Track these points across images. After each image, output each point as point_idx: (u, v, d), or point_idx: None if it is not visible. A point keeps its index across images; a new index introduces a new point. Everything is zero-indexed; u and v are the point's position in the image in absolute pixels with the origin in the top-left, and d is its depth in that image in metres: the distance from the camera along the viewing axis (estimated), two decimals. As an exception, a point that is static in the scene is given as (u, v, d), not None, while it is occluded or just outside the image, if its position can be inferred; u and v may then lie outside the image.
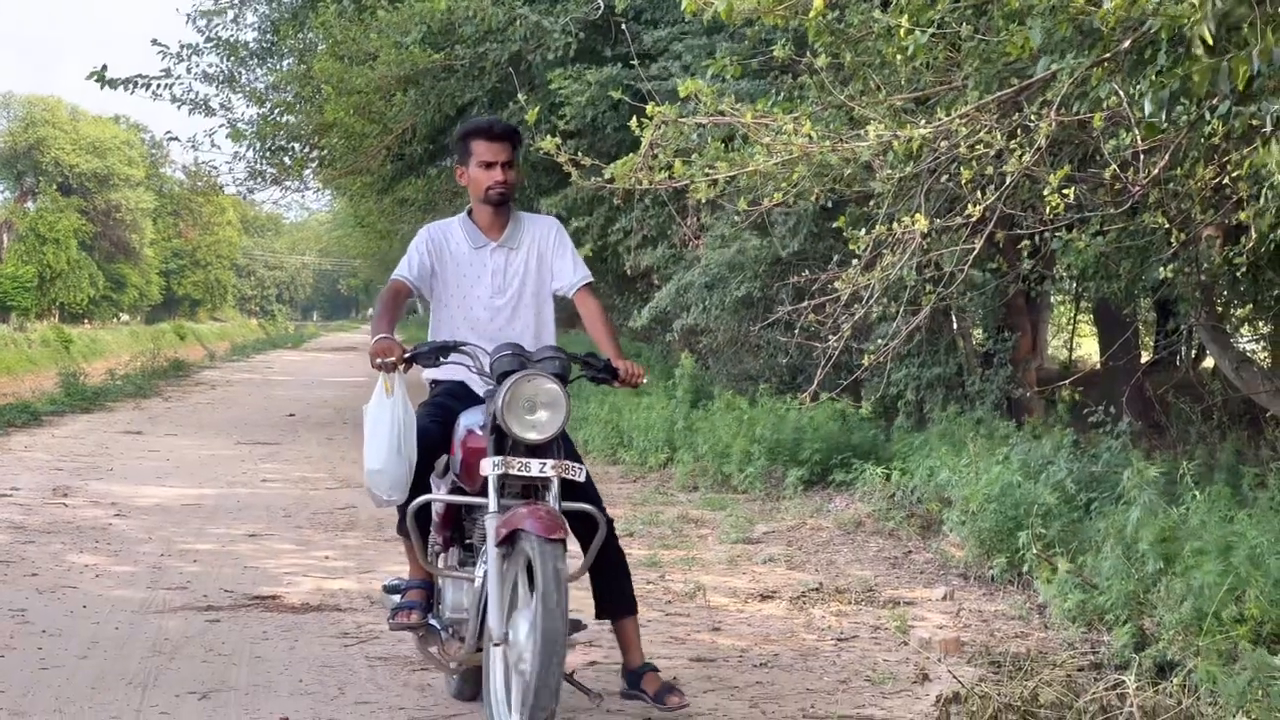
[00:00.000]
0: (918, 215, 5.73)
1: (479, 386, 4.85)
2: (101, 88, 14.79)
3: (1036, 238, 7.01)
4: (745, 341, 13.19)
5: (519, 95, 11.22)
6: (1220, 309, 8.11)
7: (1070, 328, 18.94)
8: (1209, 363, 10.24)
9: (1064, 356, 18.55)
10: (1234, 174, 5.27)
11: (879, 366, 9.29)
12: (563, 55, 11.75)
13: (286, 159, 17.05)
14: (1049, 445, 8.14)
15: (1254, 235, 5.16)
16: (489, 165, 4.98)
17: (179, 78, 16.20)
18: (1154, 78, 4.48)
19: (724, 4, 5.84)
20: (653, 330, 16.50)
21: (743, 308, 12.49)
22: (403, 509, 4.75)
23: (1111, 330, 11.69)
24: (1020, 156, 5.39)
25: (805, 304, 6.95)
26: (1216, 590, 5.40)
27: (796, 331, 7.89)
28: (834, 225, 7.67)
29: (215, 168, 18.17)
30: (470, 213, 5.13)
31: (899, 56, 5.80)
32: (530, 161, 12.68)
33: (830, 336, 6.70)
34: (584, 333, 5.66)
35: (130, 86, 15.41)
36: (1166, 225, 6.05)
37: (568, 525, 4.36)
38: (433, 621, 4.93)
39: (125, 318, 64.32)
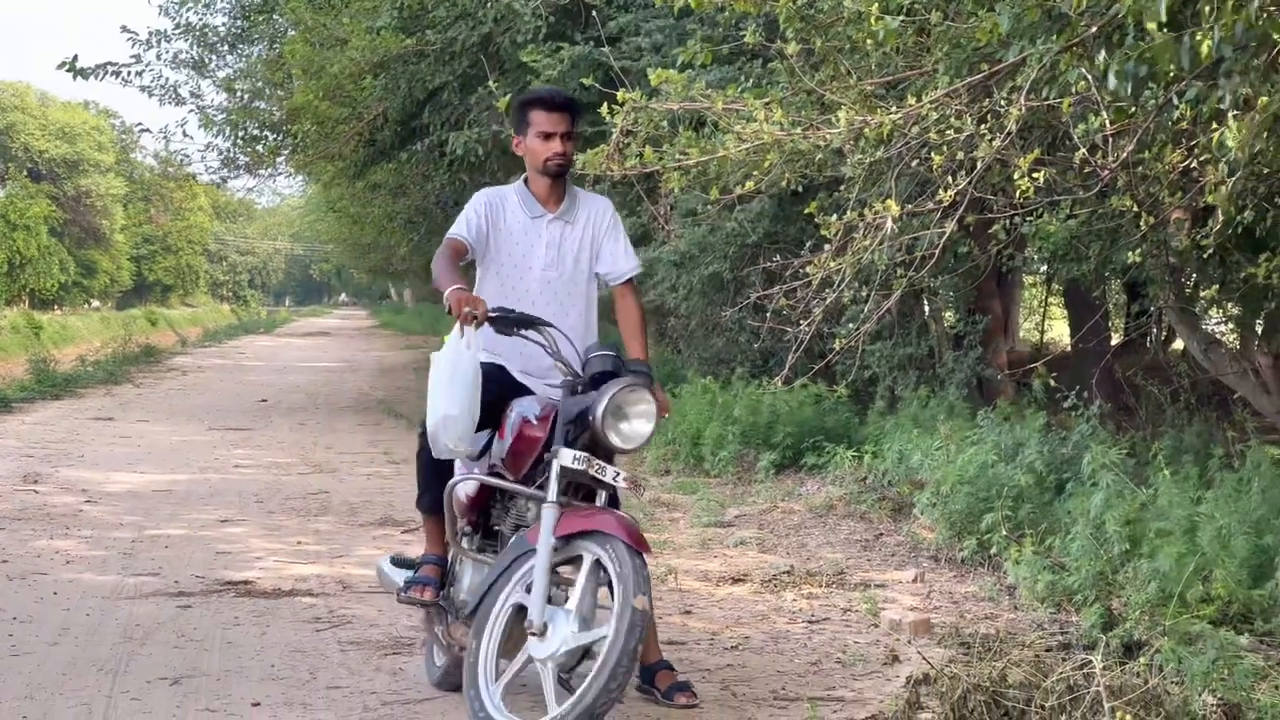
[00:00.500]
0: (889, 201, 5.74)
1: (524, 377, 4.85)
2: (74, 78, 14.69)
3: (1007, 221, 7.04)
4: (716, 325, 13.18)
5: (489, 80, 11.19)
6: (1189, 291, 8.16)
7: (1042, 310, 19.03)
8: (1178, 345, 10.30)
9: (1035, 339, 18.64)
10: (1201, 157, 5.31)
11: (851, 350, 9.32)
12: (533, 38, 11.73)
13: (259, 147, 16.96)
14: (1020, 427, 8.19)
15: (1221, 218, 5.20)
16: (548, 136, 4.92)
17: (149, 64, 16.12)
18: (1119, 53, 4.50)
19: (695, -10, 5.85)
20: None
21: (712, 289, 12.48)
22: (439, 486, 4.68)
23: (1082, 312, 11.74)
24: (990, 141, 5.42)
25: (776, 289, 6.97)
26: (1181, 571, 5.46)
27: (768, 316, 7.89)
28: (803, 210, 7.68)
29: (188, 156, 18.12)
30: (526, 181, 5.06)
31: (869, 42, 5.79)
32: (500, 146, 12.67)
33: (801, 321, 6.72)
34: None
35: (100, 75, 15.33)
36: (1135, 208, 6.09)
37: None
38: (442, 602, 4.92)
39: (96, 304, 63.80)
